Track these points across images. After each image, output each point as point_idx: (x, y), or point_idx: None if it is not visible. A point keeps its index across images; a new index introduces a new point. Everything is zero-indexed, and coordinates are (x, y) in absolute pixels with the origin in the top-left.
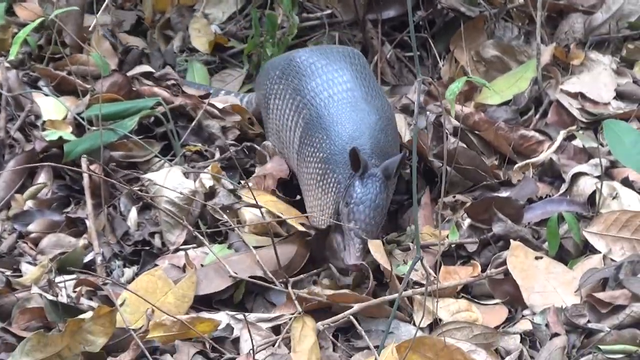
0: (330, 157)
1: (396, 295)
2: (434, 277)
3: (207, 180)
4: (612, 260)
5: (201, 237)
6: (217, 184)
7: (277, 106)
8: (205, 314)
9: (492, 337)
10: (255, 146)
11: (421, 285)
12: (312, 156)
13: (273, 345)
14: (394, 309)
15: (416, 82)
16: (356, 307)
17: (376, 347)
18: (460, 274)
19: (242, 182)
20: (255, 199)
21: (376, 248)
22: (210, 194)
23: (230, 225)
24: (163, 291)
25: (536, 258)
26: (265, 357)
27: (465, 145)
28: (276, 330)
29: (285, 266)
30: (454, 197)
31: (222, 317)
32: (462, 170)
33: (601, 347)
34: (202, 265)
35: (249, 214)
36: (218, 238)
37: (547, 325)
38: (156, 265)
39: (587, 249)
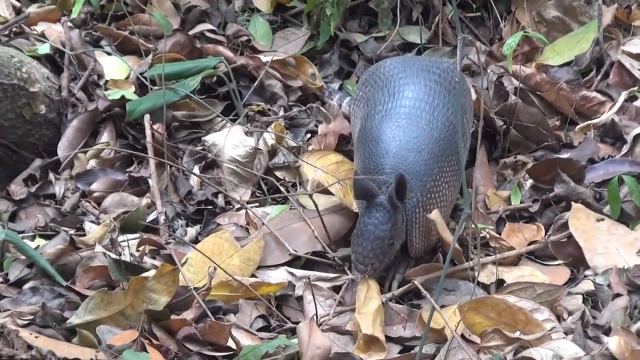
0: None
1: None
2: (497, 240)
3: (269, 139)
4: None
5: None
6: (279, 143)
7: (354, 112)
8: (268, 272)
9: (555, 293)
10: (320, 107)
11: (487, 249)
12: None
13: (340, 304)
14: (446, 263)
15: (458, 40)
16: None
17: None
18: (524, 233)
19: (304, 141)
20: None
21: (436, 217)
22: (273, 153)
23: (290, 185)
24: (229, 253)
25: (598, 220)
26: (330, 318)
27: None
28: (337, 289)
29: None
30: (515, 157)
31: (282, 275)
32: (522, 129)
33: None
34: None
35: (311, 174)
36: (279, 198)
37: (609, 285)
38: (218, 224)
39: None
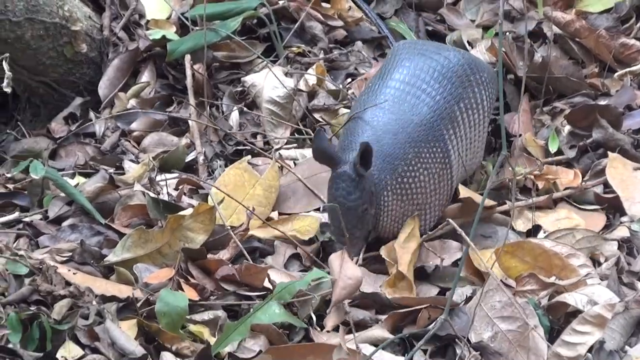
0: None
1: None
2: (533, 183)
3: (310, 80)
4: None
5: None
6: (319, 85)
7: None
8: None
9: (595, 241)
10: (360, 51)
11: (527, 195)
12: None
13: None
14: (480, 208)
15: None
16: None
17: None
18: (562, 178)
19: (344, 84)
20: None
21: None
22: (312, 94)
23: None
24: (251, 183)
25: (635, 169)
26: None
27: (558, 54)
28: None
29: None
30: (552, 104)
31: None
32: (553, 80)
33: None
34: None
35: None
36: None
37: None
38: (257, 165)
39: None
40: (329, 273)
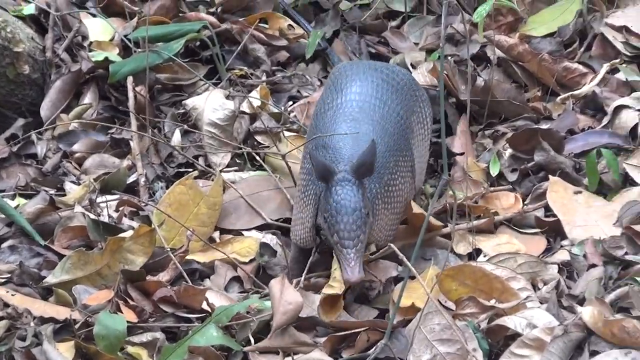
0: (311, 170)
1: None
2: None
3: (253, 102)
4: None
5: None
6: (261, 107)
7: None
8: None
9: (537, 266)
10: (305, 75)
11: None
12: (301, 167)
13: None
14: (423, 230)
15: (443, 7)
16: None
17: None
18: (502, 201)
19: (286, 107)
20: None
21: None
22: (254, 117)
23: (270, 150)
24: (195, 202)
25: (575, 193)
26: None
27: (497, 78)
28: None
29: None
30: (494, 128)
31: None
32: (495, 104)
33: (638, 279)
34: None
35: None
36: (257, 163)
37: (584, 256)
38: None
39: (627, 183)
40: (267, 295)
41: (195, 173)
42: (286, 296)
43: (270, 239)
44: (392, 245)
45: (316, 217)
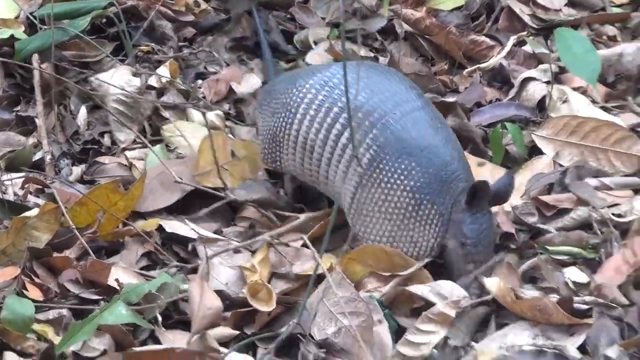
0: (424, 186)
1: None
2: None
3: (160, 78)
4: (559, 164)
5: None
6: (169, 83)
7: (312, 118)
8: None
9: None
10: (213, 52)
11: None
12: (397, 185)
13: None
14: (332, 217)
15: None
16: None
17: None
18: None
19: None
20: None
21: None
22: (161, 93)
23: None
24: (113, 201)
25: (479, 164)
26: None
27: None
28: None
29: None
30: None
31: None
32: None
33: (548, 247)
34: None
35: (197, 115)
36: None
37: (498, 225)
38: (103, 164)
39: (534, 154)
40: (177, 267)
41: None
42: (205, 300)
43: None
44: (304, 237)
45: (441, 238)
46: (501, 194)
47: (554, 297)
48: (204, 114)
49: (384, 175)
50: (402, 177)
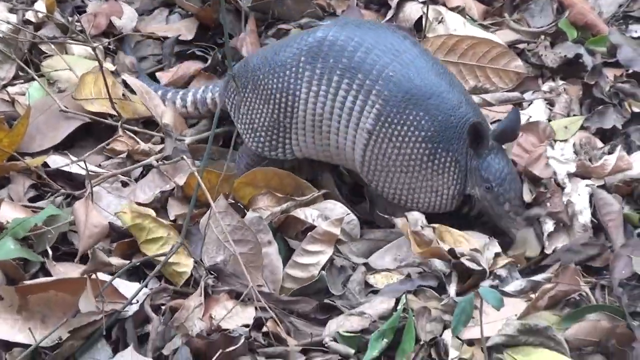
0: (436, 134)
1: None
2: None
3: (38, 11)
4: None
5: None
6: (47, 17)
7: (316, 93)
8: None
9: None
10: None
11: None
12: (407, 137)
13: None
14: (214, 125)
15: None
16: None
17: None
18: None
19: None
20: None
21: None
22: (38, 27)
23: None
24: None
25: None
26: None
27: None
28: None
29: None
30: (277, 27)
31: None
32: (279, 5)
33: None
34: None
35: (77, 49)
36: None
37: None
38: None
39: None
40: (63, 195)
41: None
42: (91, 219)
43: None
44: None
45: (461, 185)
46: (510, 131)
47: None
48: (94, 49)
49: (394, 129)
50: (412, 129)
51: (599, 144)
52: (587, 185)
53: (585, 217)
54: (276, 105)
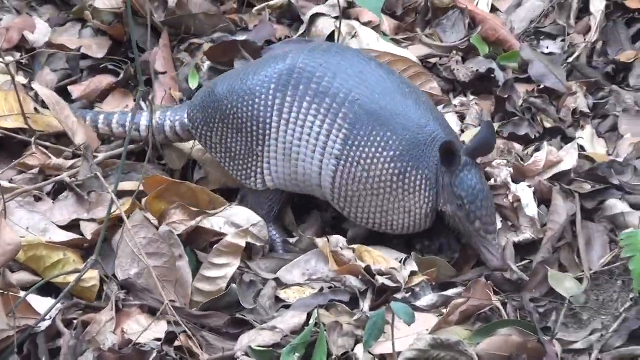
0: (404, 153)
1: None
2: None
3: None
4: None
5: None
6: None
7: (287, 121)
8: None
9: None
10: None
11: None
12: (376, 158)
13: None
14: (128, 138)
15: None
16: None
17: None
18: None
19: None
20: None
21: None
22: None
23: None
24: None
25: None
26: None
27: None
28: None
29: None
30: (189, 42)
31: None
32: (192, 19)
33: None
34: None
35: None
36: None
37: None
38: None
39: None
40: None
41: None
42: (4, 237)
43: None
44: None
45: (433, 202)
46: (484, 145)
47: None
48: (7, 65)
49: (362, 152)
50: (380, 149)
51: (517, 146)
52: (528, 186)
53: (532, 210)
54: (248, 134)
